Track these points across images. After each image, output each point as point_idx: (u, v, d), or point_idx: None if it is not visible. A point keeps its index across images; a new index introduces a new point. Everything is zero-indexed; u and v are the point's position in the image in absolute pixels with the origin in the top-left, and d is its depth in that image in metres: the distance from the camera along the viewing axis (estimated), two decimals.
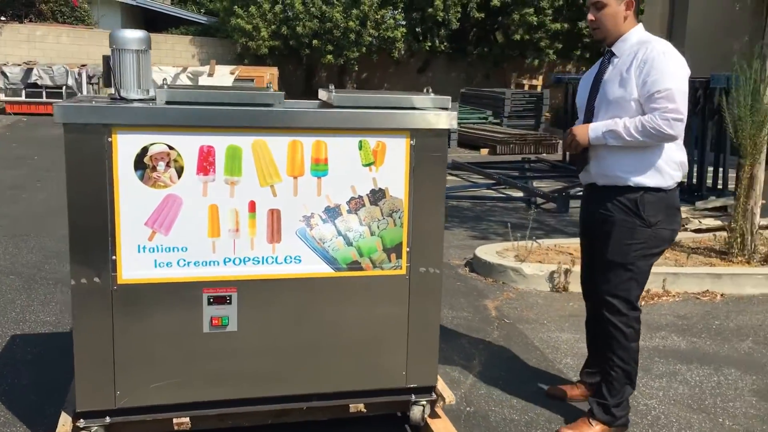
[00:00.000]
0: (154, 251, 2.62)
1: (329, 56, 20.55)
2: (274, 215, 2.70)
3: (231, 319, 2.71)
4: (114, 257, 2.58)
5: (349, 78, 22.97)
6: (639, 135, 2.86)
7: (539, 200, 8.10)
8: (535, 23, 21.39)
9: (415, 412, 2.94)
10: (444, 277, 3.25)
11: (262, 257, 2.71)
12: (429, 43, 22.09)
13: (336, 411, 2.91)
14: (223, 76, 18.41)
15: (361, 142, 2.72)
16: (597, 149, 3.00)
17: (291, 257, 2.73)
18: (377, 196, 2.77)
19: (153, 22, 25.72)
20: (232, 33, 21.20)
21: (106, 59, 2.74)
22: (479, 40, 23.37)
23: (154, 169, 2.57)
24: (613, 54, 3.04)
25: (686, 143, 9.47)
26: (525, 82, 22.64)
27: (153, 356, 2.67)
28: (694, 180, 8.20)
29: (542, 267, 5.13)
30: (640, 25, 3.04)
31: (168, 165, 2.58)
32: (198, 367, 2.71)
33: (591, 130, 2.98)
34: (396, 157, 2.76)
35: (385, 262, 2.81)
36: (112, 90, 2.78)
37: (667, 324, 4.46)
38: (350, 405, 2.90)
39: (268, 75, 19.63)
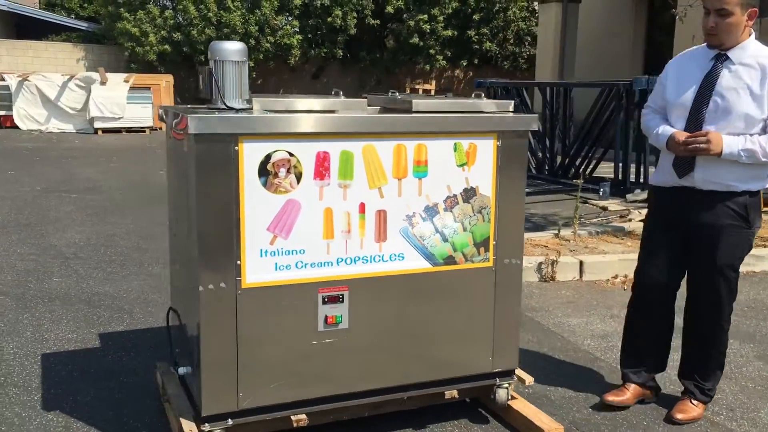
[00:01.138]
0: (275, 255, 2.70)
1: None
2: (381, 216, 2.84)
3: (343, 316, 2.83)
4: (239, 262, 2.65)
5: None
6: None
7: None
8: (428, 30, 22.08)
9: (501, 395, 3.16)
10: None
11: (371, 256, 2.85)
12: (325, 49, 22.27)
13: (431, 398, 3.09)
14: (117, 84, 17.79)
15: (456, 144, 2.92)
16: (709, 157, 3.02)
17: (395, 255, 2.89)
18: (469, 194, 2.97)
19: (27, 28, 24.38)
20: (118, 37, 20.48)
21: (209, 71, 2.79)
22: (371, 46, 23.80)
23: (276, 175, 2.65)
24: (727, 58, 3.04)
25: (610, 143, 9.88)
26: (418, 86, 23.27)
27: (272, 356, 2.75)
28: (620, 176, 8.87)
29: (529, 259, 5.47)
30: (753, 33, 3.06)
31: (288, 171, 2.67)
32: (313, 365, 2.81)
33: (726, 146, 2.96)
34: (485, 157, 2.97)
35: (475, 255, 3.02)
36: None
37: None
38: (445, 392, 3.09)
39: (164, 83, 19.14)
